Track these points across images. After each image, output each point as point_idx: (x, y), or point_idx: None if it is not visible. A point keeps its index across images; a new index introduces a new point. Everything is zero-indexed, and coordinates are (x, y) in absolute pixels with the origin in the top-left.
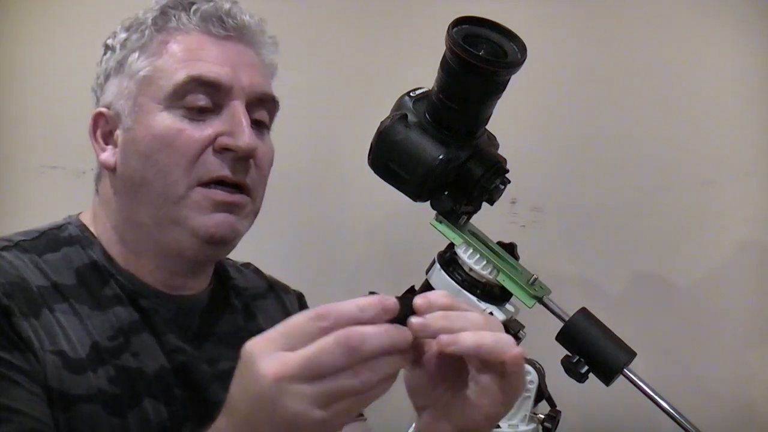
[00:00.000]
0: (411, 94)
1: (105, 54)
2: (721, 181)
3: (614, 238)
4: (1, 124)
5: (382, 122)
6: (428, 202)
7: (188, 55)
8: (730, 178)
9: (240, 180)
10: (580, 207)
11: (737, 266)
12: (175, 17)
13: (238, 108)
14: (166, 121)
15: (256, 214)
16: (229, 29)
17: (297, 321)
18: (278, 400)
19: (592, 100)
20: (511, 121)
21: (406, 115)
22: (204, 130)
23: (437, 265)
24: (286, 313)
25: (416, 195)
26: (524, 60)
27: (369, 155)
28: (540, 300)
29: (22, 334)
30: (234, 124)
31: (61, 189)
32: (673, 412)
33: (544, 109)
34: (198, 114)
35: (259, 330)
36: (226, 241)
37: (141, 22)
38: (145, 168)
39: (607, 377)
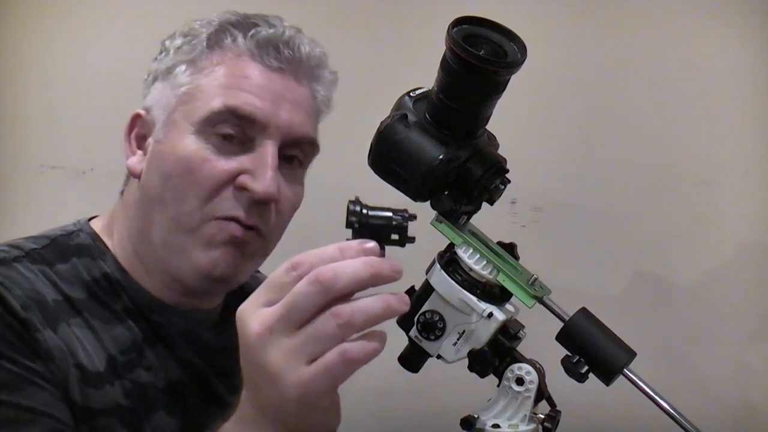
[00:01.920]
0: (411, 94)
1: (160, 53)
2: (721, 181)
3: (614, 238)
4: (1, 124)
5: (382, 122)
6: (428, 202)
7: (231, 81)
8: (730, 178)
9: (252, 223)
10: (580, 207)
11: (737, 266)
12: (230, 37)
13: (268, 148)
14: (194, 145)
15: (265, 256)
16: (282, 61)
17: (275, 274)
18: (264, 356)
19: (592, 101)
20: (511, 121)
21: (406, 115)
22: (228, 164)
23: (437, 265)
24: None
25: (416, 195)
26: (524, 60)
27: (369, 155)
28: (540, 300)
29: (42, 345)
30: (259, 165)
31: (61, 189)
32: (673, 412)
33: (544, 109)
34: (227, 144)
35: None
36: (226, 279)
37: (197, 33)
38: (163, 188)
39: (607, 377)
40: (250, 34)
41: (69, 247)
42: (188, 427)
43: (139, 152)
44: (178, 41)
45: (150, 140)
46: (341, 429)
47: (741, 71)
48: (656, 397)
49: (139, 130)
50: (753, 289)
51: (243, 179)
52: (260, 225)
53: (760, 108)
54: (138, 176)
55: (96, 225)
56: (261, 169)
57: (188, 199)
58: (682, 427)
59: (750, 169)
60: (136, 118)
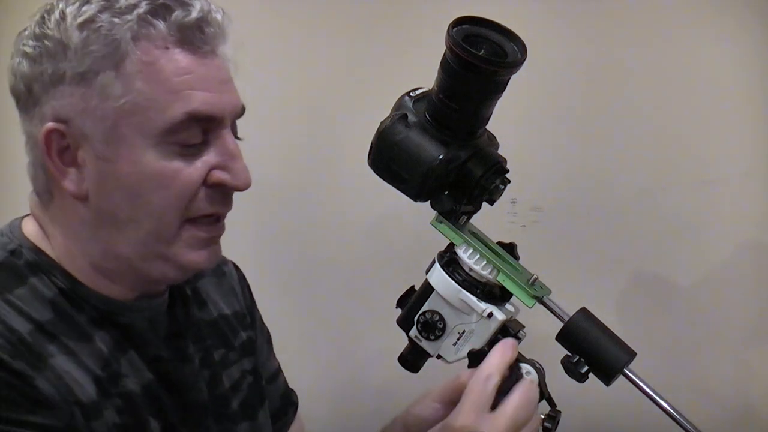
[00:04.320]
0: (411, 94)
1: (39, 46)
2: (721, 181)
3: (614, 238)
4: (0, 124)
5: (382, 122)
6: (428, 202)
7: (177, 82)
8: (730, 178)
9: (226, 212)
10: (580, 207)
11: (737, 266)
12: (150, 26)
13: (229, 139)
14: (160, 161)
15: None
16: (208, 41)
17: (480, 386)
18: None
19: (592, 100)
20: (511, 121)
21: (406, 115)
22: (197, 167)
23: (437, 265)
24: (227, 285)
25: (416, 195)
26: (524, 60)
27: (369, 155)
28: (540, 300)
29: (41, 392)
30: (228, 157)
31: None
32: (673, 412)
33: (545, 109)
34: (189, 148)
35: (212, 320)
36: (211, 268)
37: (107, 27)
38: (133, 207)
39: (607, 377)
40: (171, 19)
41: (19, 267)
42: (169, 425)
43: (72, 170)
44: (78, 35)
45: (82, 154)
46: (340, 429)
47: (741, 71)
48: (656, 397)
49: (58, 144)
50: (753, 289)
51: (218, 176)
52: (228, 210)
53: (760, 108)
54: (83, 198)
55: (30, 235)
56: (231, 162)
57: (166, 212)
58: (682, 427)
59: (750, 169)
60: (51, 133)
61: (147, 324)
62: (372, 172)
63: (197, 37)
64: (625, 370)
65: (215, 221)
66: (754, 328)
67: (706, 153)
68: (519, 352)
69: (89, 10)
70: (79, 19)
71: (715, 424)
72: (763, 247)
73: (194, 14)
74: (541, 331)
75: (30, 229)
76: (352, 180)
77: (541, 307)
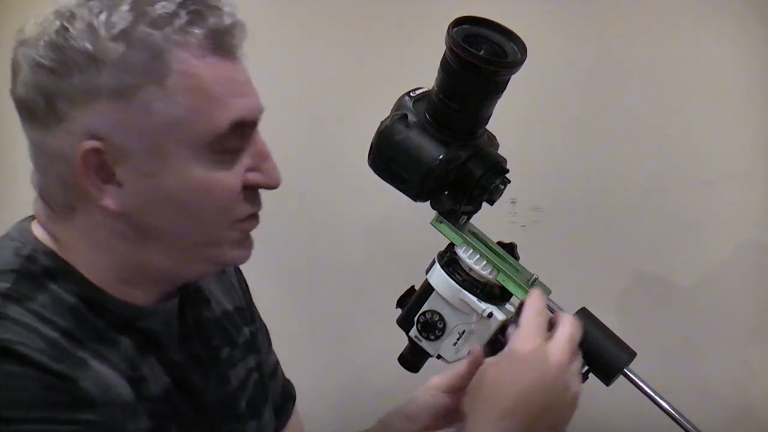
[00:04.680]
0: (411, 94)
1: (63, 58)
2: (721, 181)
3: (614, 238)
4: (0, 124)
5: (382, 122)
6: (428, 202)
7: (220, 92)
8: (730, 178)
9: (261, 208)
10: (580, 207)
11: (737, 266)
12: (191, 36)
13: (260, 140)
14: (206, 172)
15: None
16: (238, 44)
17: (532, 319)
18: (570, 380)
19: (592, 100)
20: (511, 121)
21: (406, 115)
22: (237, 173)
23: (437, 265)
24: (227, 281)
25: (416, 195)
26: (524, 60)
27: (369, 155)
28: None
29: (86, 392)
30: (260, 158)
31: None
32: (673, 412)
33: (545, 109)
34: (228, 154)
35: (216, 318)
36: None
37: (146, 41)
38: (180, 219)
39: (607, 377)
40: (207, 26)
41: (37, 274)
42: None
43: (110, 187)
44: (116, 49)
45: (122, 171)
46: (340, 429)
47: (741, 71)
48: (656, 397)
49: (96, 162)
50: (753, 289)
51: (253, 178)
52: (261, 206)
53: (760, 108)
54: (122, 214)
55: (42, 238)
56: (263, 162)
57: (214, 220)
58: (682, 427)
59: (750, 169)
60: (91, 153)
61: (163, 327)
62: (372, 172)
63: (230, 42)
64: (625, 370)
65: (254, 218)
66: (754, 328)
67: (706, 153)
68: None
69: (122, 21)
70: (114, 31)
71: (715, 424)
72: (763, 247)
73: (227, 20)
74: None
75: (40, 232)
76: (353, 180)
77: None
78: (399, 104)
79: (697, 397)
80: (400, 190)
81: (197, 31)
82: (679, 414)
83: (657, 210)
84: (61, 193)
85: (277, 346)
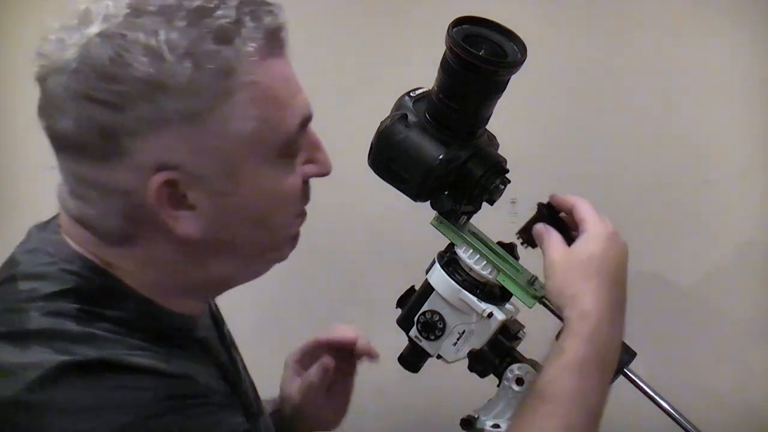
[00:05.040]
0: (411, 94)
1: (125, 90)
2: (721, 181)
3: None
4: (0, 124)
5: (382, 122)
6: (428, 202)
7: (284, 95)
8: (730, 178)
9: None
10: None
11: (737, 266)
12: (253, 43)
13: (311, 130)
14: (278, 179)
15: None
16: (286, 44)
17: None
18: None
19: (593, 100)
20: (511, 121)
21: (406, 115)
22: (298, 171)
23: (437, 265)
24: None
25: (416, 195)
26: (524, 60)
27: (369, 155)
28: (540, 300)
29: (206, 384)
30: (314, 149)
31: None
32: (673, 412)
33: (544, 109)
34: (291, 154)
35: (220, 318)
36: None
37: (214, 59)
38: (255, 230)
39: None
40: (264, 28)
41: (95, 292)
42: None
43: (183, 213)
44: (182, 71)
45: (194, 195)
46: (340, 429)
47: (741, 71)
48: (656, 397)
49: (168, 192)
50: (753, 289)
51: (310, 171)
52: None
53: (760, 108)
54: (195, 237)
55: (83, 252)
56: (317, 153)
57: (281, 221)
58: (682, 427)
59: (750, 169)
60: (168, 185)
61: (208, 333)
62: (372, 172)
63: (282, 39)
64: (625, 370)
65: (304, 213)
66: (754, 328)
67: (706, 153)
68: (519, 353)
69: (184, 38)
70: (178, 51)
71: (715, 424)
72: (763, 247)
73: (280, 16)
74: (541, 331)
75: (79, 247)
76: (352, 180)
77: (541, 307)
78: (399, 104)
79: (697, 397)
80: (400, 190)
81: (259, 35)
82: (679, 414)
83: (657, 210)
84: (117, 225)
85: (276, 345)
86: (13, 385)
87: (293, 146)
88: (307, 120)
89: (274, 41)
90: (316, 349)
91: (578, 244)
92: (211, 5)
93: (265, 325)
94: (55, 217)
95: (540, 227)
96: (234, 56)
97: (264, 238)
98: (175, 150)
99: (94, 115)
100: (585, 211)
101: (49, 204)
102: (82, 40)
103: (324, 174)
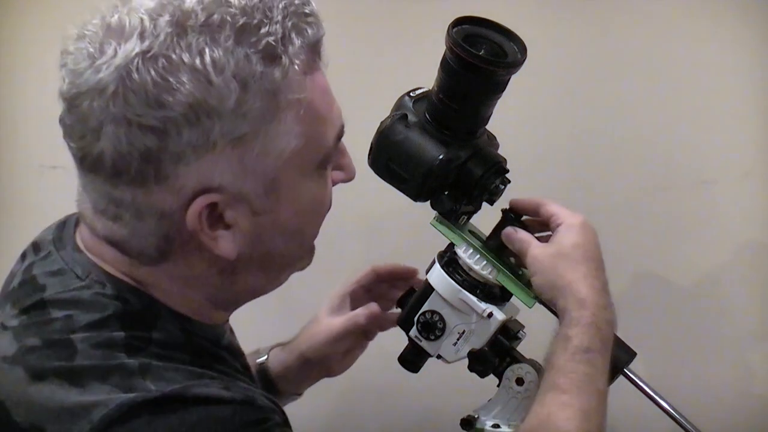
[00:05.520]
0: (411, 94)
1: (171, 116)
2: (721, 181)
3: (614, 238)
4: (1, 124)
5: (382, 122)
6: (428, 202)
7: (324, 108)
8: (730, 178)
9: None
10: (579, 207)
11: (737, 266)
12: (298, 59)
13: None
14: (314, 191)
15: None
16: (323, 48)
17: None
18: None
19: (592, 100)
20: (511, 121)
21: (406, 115)
22: (329, 179)
23: (437, 265)
24: None
25: (416, 195)
26: (524, 60)
27: (369, 155)
28: (540, 300)
29: (266, 405)
30: (340, 156)
31: (61, 189)
32: (673, 412)
33: (544, 109)
34: (328, 165)
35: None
36: None
37: (260, 81)
38: (292, 243)
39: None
40: (307, 42)
41: (138, 316)
42: None
43: (223, 232)
44: (229, 94)
45: (232, 215)
46: (340, 429)
47: (741, 71)
48: (656, 397)
49: (209, 214)
50: (753, 289)
51: (338, 178)
52: None
53: (760, 108)
54: (233, 255)
55: (113, 273)
56: (343, 159)
57: (314, 232)
58: (682, 427)
59: (750, 169)
60: (209, 208)
61: (232, 339)
62: (372, 172)
63: (321, 51)
64: (625, 370)
65: None
66: (754, 328)
67: (706, 153)
68: (519, 353)
69: (231, 58)
70: (226, 74)
71: (715, 424)
72: (763, 247)
73: (321, 28)
74: (541, 331)
75: (108, 267)
76: (352, 180)
77: (541, 307)
78: (399, 104)
79: (697, 397)
80: (400, 190)
81: (303, 52)
82: (679, 414)
83: (657, 210)
84: (151, 245)
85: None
86: (79, 428)
87: (329, 158)
88: (342, 130)
89: (315, 54)
90: (372, 283)
91: (559, 236)
92: (255, 20)
93: (264, 325)
94: (65, 227)
95: (509, 230)
96: (281, 76)
97: (296, 250)
98: (218, 173)
99: (135, 140)
100: (553, 206)
101: (48, 204)
102: (119, 59)
103: (350, 179)
